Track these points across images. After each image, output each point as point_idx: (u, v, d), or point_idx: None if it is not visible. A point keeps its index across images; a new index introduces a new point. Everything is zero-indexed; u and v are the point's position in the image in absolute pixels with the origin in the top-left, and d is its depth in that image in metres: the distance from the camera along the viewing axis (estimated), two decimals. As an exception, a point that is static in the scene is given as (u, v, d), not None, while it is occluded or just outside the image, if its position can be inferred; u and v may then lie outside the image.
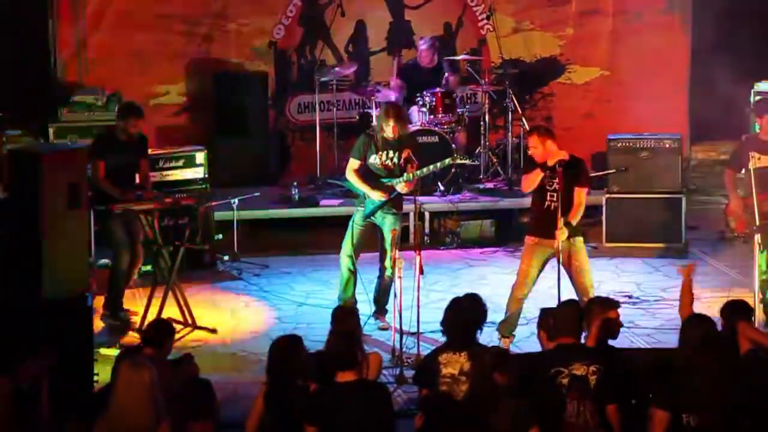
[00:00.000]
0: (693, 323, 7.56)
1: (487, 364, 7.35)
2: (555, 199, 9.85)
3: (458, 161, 11.58)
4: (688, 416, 7.18)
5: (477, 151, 14.19)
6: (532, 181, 9.98)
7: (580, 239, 10.08)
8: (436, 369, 7.77)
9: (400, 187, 10.53)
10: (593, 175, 11.61)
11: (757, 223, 10.41)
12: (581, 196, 9.95)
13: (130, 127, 10.96)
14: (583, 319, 7.88)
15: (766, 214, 10.42)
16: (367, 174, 10.68)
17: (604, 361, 7.63)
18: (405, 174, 10.51)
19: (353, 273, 10.70)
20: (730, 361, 7.39)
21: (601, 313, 7.97)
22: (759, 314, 10.02)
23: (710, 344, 7.32)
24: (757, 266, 10.12)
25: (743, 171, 11.12)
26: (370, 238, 10.80)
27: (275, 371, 7.55)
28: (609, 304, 8.12)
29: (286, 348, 7.62)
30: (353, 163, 10.74)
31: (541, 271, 10.12)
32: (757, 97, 12.61)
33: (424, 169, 10.66)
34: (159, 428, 7.00)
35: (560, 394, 7.47)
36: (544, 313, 8.06)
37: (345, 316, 8.36)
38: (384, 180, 10.60)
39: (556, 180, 9.85)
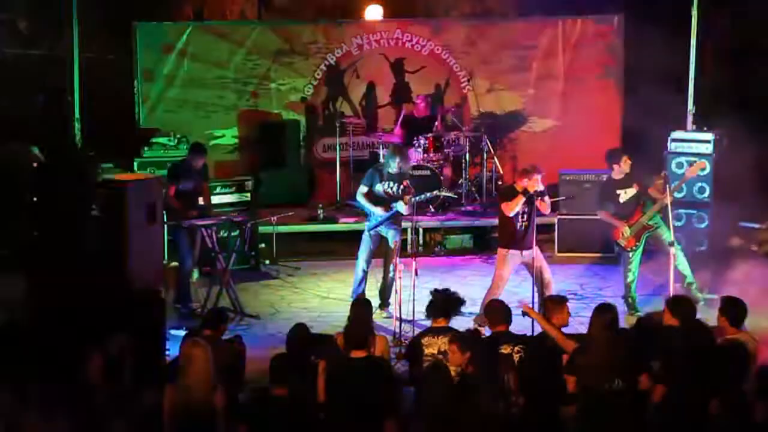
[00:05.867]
0: (599, 310, 7.25)
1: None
2: (526, 219, 10.02)
3: (443, 194, 11.72)
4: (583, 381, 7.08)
5: (459, 182, 14.12)
6: (514, 205, 9.98)
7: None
8: (419, 350, 7.69)
9: (401, 207, 10.50)
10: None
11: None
12: (544, 204, 10.09)
13: (193, 161, 11.11)
14: (510, 312, 7.75)
15: (640, 231, 10.48)
16: (372, 197, 10.67)
17: (526, 343, 7.58)
18: (403, 198, 10.49)
19: (365, 273, 10.69)
20: (620, 340, 7.14)
21: (558, 307, 7.83)
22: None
23: (607, 327, 7.11)
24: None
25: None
26: (378, 247, 10.76)
27: (294, 352, 7.50)
28: (561, 300, 8.01)
29: (302, 335, 7.61)
30: (363, 189, 10.74)
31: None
32: (673, 143, 12.49)
33: (420, 197, 10.64)
34: (215, 393, 6.93)
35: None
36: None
37: (359, 306, 8.21)
38: (386, 203, 10.58)
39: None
